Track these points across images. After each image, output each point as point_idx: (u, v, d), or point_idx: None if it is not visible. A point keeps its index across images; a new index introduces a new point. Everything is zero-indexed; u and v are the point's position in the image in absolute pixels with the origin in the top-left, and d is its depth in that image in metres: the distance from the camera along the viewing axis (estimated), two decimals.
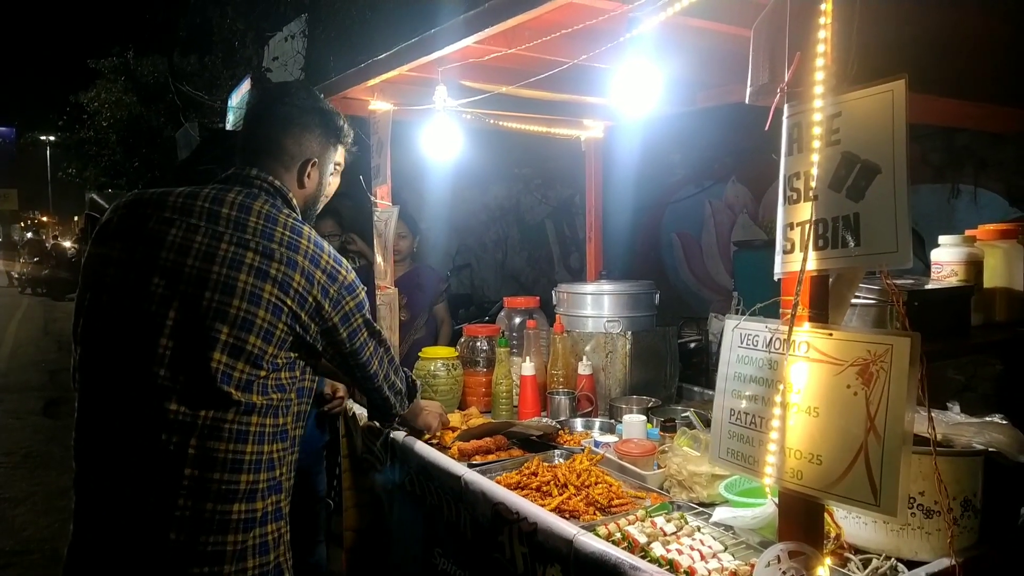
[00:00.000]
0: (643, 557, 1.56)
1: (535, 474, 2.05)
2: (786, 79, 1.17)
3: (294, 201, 1.73)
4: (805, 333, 1.19)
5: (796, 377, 1.20)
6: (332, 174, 2.48)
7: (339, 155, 2.49)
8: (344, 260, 1.70)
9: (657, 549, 1.59)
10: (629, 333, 2.73)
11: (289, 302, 1.55)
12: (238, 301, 1.49)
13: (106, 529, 1.50)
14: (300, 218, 1.70)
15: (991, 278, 1.77)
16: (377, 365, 1.84)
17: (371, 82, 2.56)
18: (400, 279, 3.51)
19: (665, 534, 1.67)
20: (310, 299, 1.58)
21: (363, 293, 1.72)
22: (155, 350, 1.46)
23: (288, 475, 1.62)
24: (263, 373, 1.52)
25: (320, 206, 1.89)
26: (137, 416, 1.47)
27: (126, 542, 1.47)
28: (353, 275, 1.70)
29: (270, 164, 1.71)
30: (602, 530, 1.68)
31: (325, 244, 1.67)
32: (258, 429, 1.52)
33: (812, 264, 1.17)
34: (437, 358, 2.83)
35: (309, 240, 1.63)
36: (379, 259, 2.88)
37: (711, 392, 1.38)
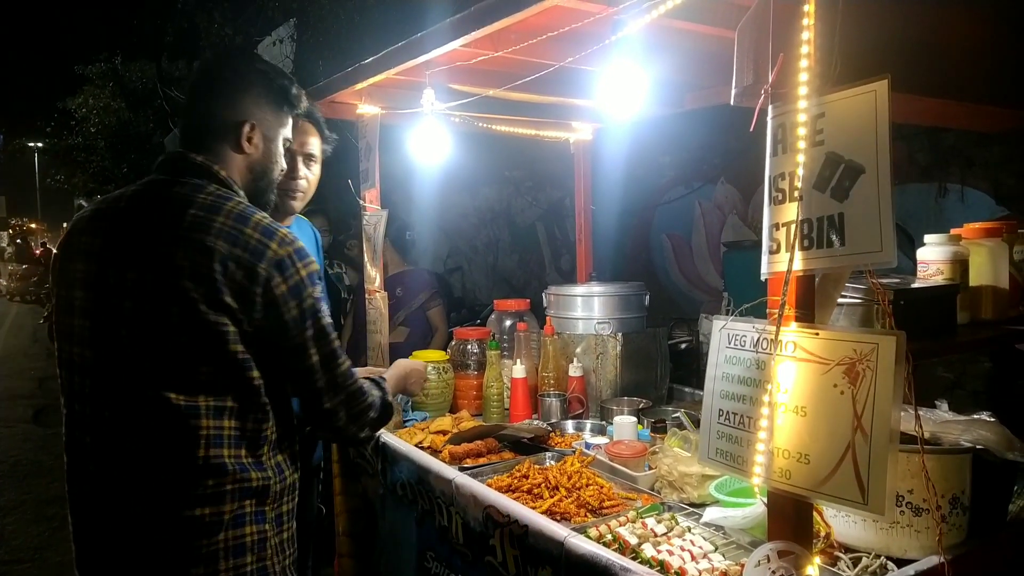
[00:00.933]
0: (634, 558, 1.56)
1: (526, 476, 2.05)
2: (770, 80, 1.18)
3: (222, 173, 1.55)
4: (792, 333, 1.20)
5: (783, 377, 1.20)
6: (310, 163, 2.26)
7: (312, 147, 2.28)
8: (281, 232, 1.49)
9: (648, 550, 1.59)
10: (619, 335, 2.73)
11: (205, 291, 1.39)
12: (150, 305, 1.41)
13: (91, 534, 1.51)
14: (230, 193, 1.53)
15: (977, 276, 1.77)
16: (324, 380, 1.53)
17: (359, 86, 2.56)
18: (387, 280, 3.50)
19: (656, 535, 1.67)
20: (229, 284, 1.41)
21: (303, 272, 1.48)
22: (98, 364, 1.46)
23: (276, 478, 1.53)
24: (205, 369, 1.42)
25: (275, 176, 1.69)
26: (98, 428, 1.47)
27: (108, 546, 1.47)
28: (291, 249, 1.48)
29: (201, 138, 1.58)
30: (593, 532, 1.68)
31: (254, 216, 1.48)
32: (211, 432, 1.42)
33: (798, 264, 1.18)
34: (428, 361, 2.82)
35: (228, 216, 1.45)
36: (368, 263, 2.88)
37: (702, 393, 1.38)
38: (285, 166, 1.73)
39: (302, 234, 2.47)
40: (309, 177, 2.34)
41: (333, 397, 1.56)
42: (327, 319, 1.53)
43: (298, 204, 2.34)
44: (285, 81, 1.66)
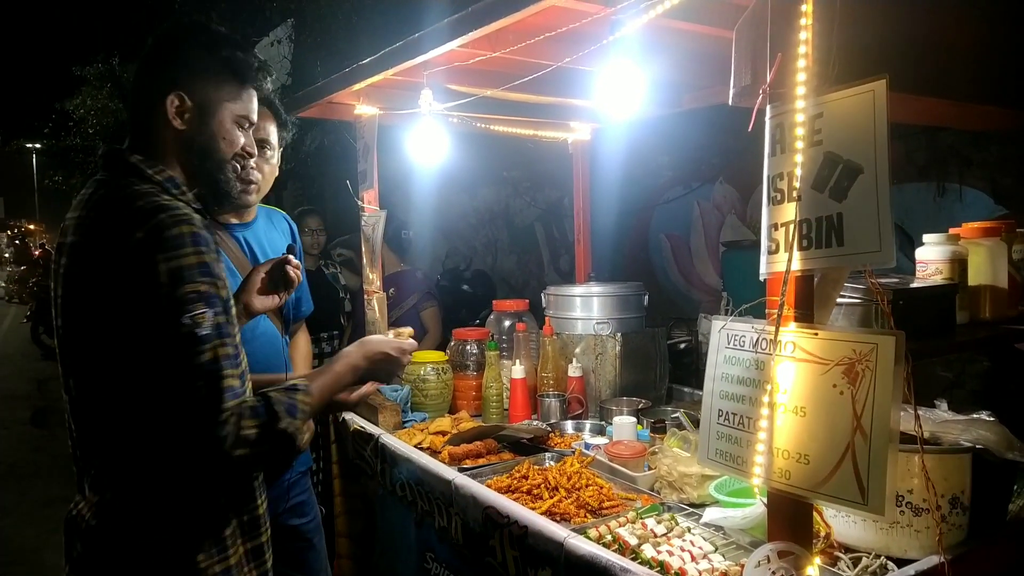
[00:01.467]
0: (634, 559, 1.56)
1: (526, 477, 2.05)
2: (768, 80, 1.18)
3: (132, 159, 1.40)
4: (791, 333, 1.20)
5: (783, 377, 1.20)
6: (264, 150, 2.03)
7: (266, 132, 2.04)
8: (156, 219, 1.26)
9: (648, 551, 1.59)
10: (619, 335, 2.73)
11: (83, 297, 1.30)
12: (60, 320, 1.36)
13: None
14: (132, 181, 1.37)
15: (976, 276, 1.77)
16: (178, 399, 1.26)
17: (357, 86, 2.55)
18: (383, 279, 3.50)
19: (656, 535, 1.67)
20: (99, 284, 1.28)
21: (162, 266, 1.24)
22: (64, 383, 1.42)
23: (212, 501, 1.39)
24: (106, 382, 1.31)
25: (224, 155, 1.49)
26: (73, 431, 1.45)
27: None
28: (159, 237, 1.25)
29: (135, 120, 1.46)
30: (593, 532, 1.68)
31: (135, 203, 1.29)
32: (130, 446, 1.34)
33: (797, 264, 1.17)
34: (427, 362, 2.83)
35: (105, 209, 1.32)
36: (366, 264, 2.87)
37: (701, 393, 1.38)
38: (246, 145, 1.54)
39: (272, 226, 2.33)
40: (262, 166, 2.16)
41: (186, 423, 1.27)
42: (194, 329, 1.25)
43: (252, 196, 2.16)
44: (232, 51, 1.48)
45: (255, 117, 1.57)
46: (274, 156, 2.21)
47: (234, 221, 2.20)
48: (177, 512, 1.36)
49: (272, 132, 2.18)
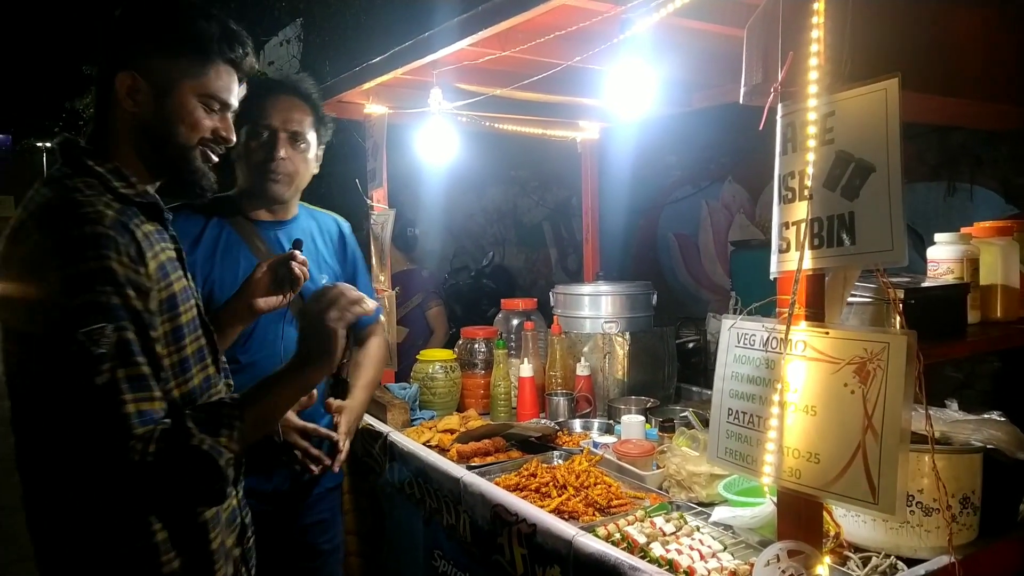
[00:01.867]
0: (642, 557, 1.56)
1: (534, 475, 2.05)
2: (779, 79, 1.18)
3: (78, 148, 1.29)
4: (802, 332, 1.19)
5: (793, 376, 1.20)
6: (296, 143, 1.91)
7: (298, 124, 1.89)
8: (67, 215, 1.16)
9: (656, 549, 1.59)
10: (627, 334, 2.73)
11: (4, 310, 1.21)
12: None
13: None
14: (65, 173, 1.25)
15: (987, 275, 1.76)
16: (82, 425, 1.15)
17: (366, 86, 2.56)
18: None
19: (664, 534, 1.67)
20: (15, 295, 1.18)
21: (56, 273, 1.12)
22: None
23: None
24: (37, 404, 1.23)
25: (186, 140, 1.32)
26: None
27: None
28: (57, 238, 1.14)
29: (96, 106, 1.35)
30: (601, 531, 1.68)
31: (54, 200, 1.19)
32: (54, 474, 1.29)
33: (808, 263, 1.17)
34: (435, 360, 2.84)
35: (29, 208, 1.21)
36: (375, 263, 2.88)
37: (709, 392, 1.38)
38: (219, 129, 1.37)
39: (318, 228, 2.18)
40: (295, 158, 2.01)
41: (86, 450, 1.17)
42: (88, 347, 1.11)
43: (281, 188, 2.00)
44: (192, 20, 1.31)
45: (229, 96, 1.38)
46: (310, 150, 2.05)
47: (267, 218, 2.07)
48: (105, 545, 1.26)
49: (307, 124, 2.03)
